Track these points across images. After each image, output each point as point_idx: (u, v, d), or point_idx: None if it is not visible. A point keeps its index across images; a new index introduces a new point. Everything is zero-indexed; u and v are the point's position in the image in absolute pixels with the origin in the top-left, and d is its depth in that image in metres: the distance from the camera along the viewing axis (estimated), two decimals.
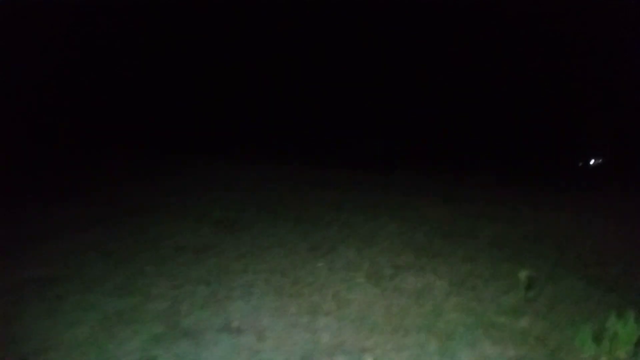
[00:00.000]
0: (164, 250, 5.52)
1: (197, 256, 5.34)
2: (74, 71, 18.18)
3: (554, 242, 6.61)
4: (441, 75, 30.83)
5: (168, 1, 20.17)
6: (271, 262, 5.27)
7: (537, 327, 3.80)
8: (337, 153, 23.59)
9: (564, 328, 3.74)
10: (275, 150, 21.11)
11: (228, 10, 23.04)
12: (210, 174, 12.40)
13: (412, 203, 9.53)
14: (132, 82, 20.57)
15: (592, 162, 46.70)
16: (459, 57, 30.85)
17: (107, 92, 19.78)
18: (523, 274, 3.85)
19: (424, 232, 7.25)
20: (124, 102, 20.33)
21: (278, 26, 24.66)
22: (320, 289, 4.46)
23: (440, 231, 7.26)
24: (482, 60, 32.07)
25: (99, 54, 19.15)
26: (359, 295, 4.34)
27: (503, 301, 4.24)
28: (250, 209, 7.90)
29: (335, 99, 27.19)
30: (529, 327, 3.81)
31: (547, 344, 3.51)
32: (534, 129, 35.13)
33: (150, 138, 18.94)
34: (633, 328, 2.97)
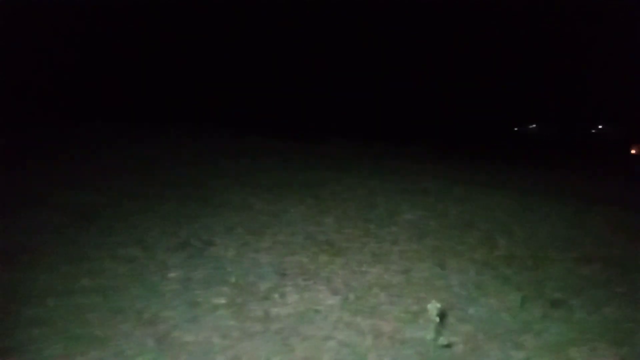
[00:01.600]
0: None
1: None
2: None
3: (483, 233, 5.42)
4: (382, 50, 29.83)
5: None
6: None
7: None
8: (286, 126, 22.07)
9: None
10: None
11: None
12: None
13: (333, 179, 8.14)
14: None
15: (531, 126, 48.31)
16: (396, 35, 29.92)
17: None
18: (433, 306, 2.48)
19: (335, 216, 5.87)
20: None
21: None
22: None
23: (348, 217, 5.89)
24: (418, 34, 31.28)
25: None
26: None
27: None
28: None
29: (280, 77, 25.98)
30: None
31: None
32: (470, 97, 35.36)
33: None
34: None
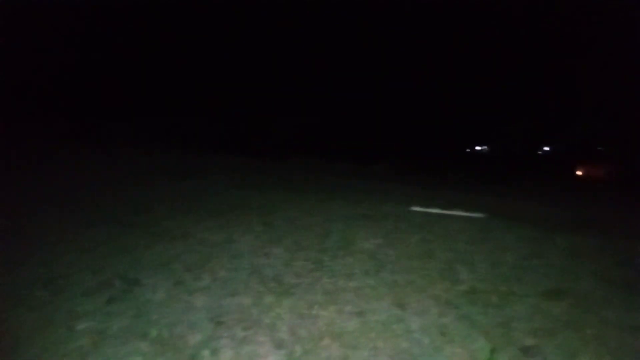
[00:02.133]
0: None
1: None
2: None
3: (444, 263, 5.04)
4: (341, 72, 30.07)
5: None
6: None
7: None
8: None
9: None
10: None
11: None
12: None
13: (289, 203, 7.63)
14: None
15: (481, 147, 50.00)
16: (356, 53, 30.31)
17: None
18: None
19: (286, 246, 5.31)
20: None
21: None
22: None
23: (301, 246, 5.37)
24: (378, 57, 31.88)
25: None
26: None
27: None
28: None
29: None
30: None
31: None
32: (424, 118, 36.21)
33: None
34: None
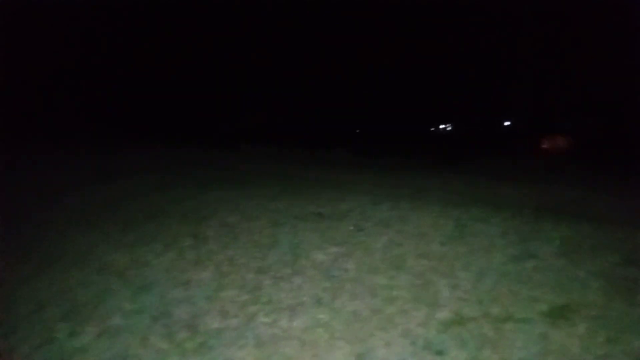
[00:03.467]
0: None
1: None
2: None
3: (418, 277, 3.94)
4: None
5: None
6: None
7: None
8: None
9: None
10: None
11: None
12: None
13: (227, 204, 6.35)
14: None
15: (445, 126, 49.96)
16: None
17: None
18: None
19: (216, 267, 4.07)
20: None
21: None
22: None
23: (236, 265, 4.15)
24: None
25: None
26: None
27: None
28: None
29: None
30: None
31: None
32: (385, 99, 35.41)
33: None
34: None
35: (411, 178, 9.34)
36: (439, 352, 2.78)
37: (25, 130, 13.73)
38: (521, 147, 20.30)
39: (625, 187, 8.55)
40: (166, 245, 4.74)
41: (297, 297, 3.57)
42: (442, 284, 3.82)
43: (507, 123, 43.06)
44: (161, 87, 23.51)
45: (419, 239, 4.92)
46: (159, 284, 3.81)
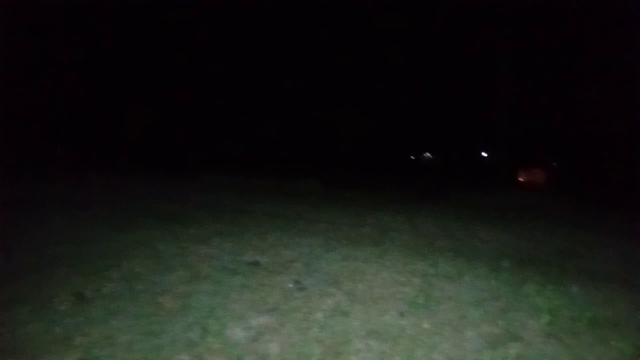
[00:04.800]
0: None
1: None
2: None
3: None
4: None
5: None
6: None
7: None
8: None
9: None
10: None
11: None
12: None
13: (146, 247, 5.15)
14: None
15: (425, 154, 49.83)
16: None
17: None
18: None
19: None
20: None
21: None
22: None
23: None
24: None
25: None
26: None
27: None
28: None
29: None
30: None
31: None
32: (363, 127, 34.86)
33: None
34: None
35: (378, 214, 8.32)
36: None
37: None
38: (498, 180, 19.70)
39: (610, 227, 7.75)
40: (33, 311, 3.51)
41: None
42: None
43: (484, 154, 43.13)
44: (131, 113, 22.39)
45: (373, 305, 3.83)
46: None
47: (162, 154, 20.79)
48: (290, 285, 4.23)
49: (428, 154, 49.97)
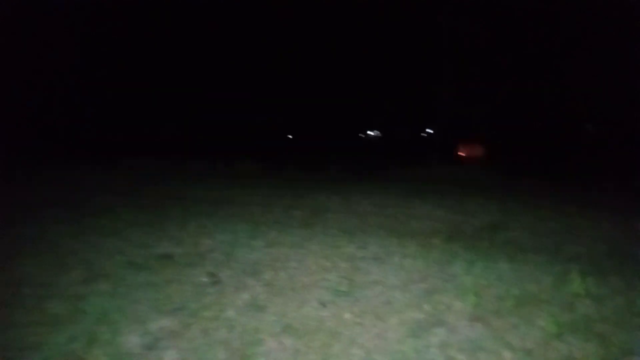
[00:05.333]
0: None
1: None
2: None
3: None
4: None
5: None
6: None
7: None
8: None
9: None
10: None
11: None
12: None
13: None
14: None
15: (373, 132, 50.19)
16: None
17: None
18: None
19: None
20: None
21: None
22: None
23: None
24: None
25: None
26: None
27: None
28: None
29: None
30: None
31: None
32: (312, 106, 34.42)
33: None
34: None
35: (314, 194, 8.01)
36: None
37: None
38: (439, 156, 20.06)
39: (541, 199, 7.93)
40: None
41: None
42: None
43: (429, 130, 44.16)
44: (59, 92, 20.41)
45: (293, 296, 3.50)
46: None
47: (88, 138, 19.18)
48: (204, 279, 3.80)
49: (377, 132, 50.47)
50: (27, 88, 18.81)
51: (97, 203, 6.64)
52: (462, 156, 20.41)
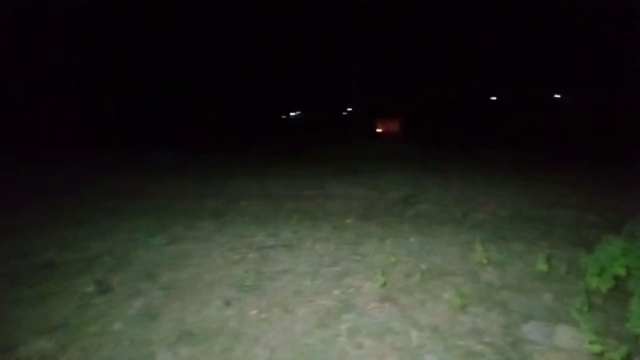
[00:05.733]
0: None
1: None
2: None
3: None
4: None
5: None
6: None
7: None
8: None
9: None
10: None
11: None
12: None
13: None
14: None
15: (295, 113, 49.80)
16: None
17: None
18: None
19: None
20: None
21: None
22: None
23: None
24: None
25: None
26: None
27: None
28: None
29: None
30: None
31: None
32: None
33: None
34: None
35: (230, 181, 7.61)
36: None
37: None
38: (357, 133, 20.36)
39: (453, 169, 8.26)
40: None
41: None
42: None
43: (349, 109, 44.75)
44: None
45: (194, 298, 3.18)
46: None
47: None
48: (90, 288, 3.34)
49: (298, 113, 50.17)
50: None
51: None
52: (380, 132, 20.91)
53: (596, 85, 19.78)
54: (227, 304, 3.09)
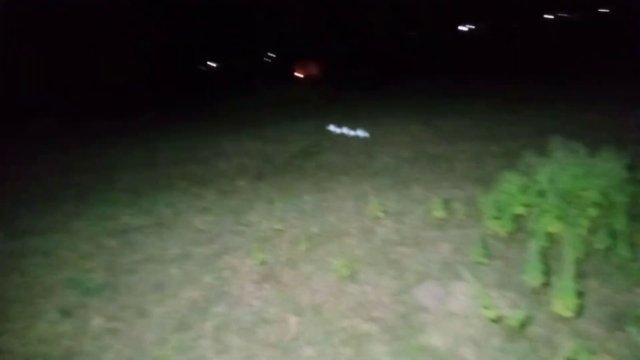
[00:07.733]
0: None
1: None
2: None
3: None
4: None
5: None
6: None
7: None
8: None
9: None
10: None
11: None
12: None
13: None
14: None
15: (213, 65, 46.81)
16: None
17: None
18: None
19: None
20: None
21: None
22: None
23: None
24: None
25: None
26: None
27: None
28: None
29: None
30: None
31: None
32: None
33: None
34: None
35: (112, 149, 6.58)
36: None
37: None
38: (273, 79, 19.32)
39: (362, 115, 7.83)
40: None
41: None
42: None
43: (271, 55, 42.79)
44: None
45: (21, 310, 2.48)
46: None
47: None
48: None
49: (218, 64, 47.15)
50: None
51: None
52: (299, 77, 20.03)
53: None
54: (66, 314, 2.43)
